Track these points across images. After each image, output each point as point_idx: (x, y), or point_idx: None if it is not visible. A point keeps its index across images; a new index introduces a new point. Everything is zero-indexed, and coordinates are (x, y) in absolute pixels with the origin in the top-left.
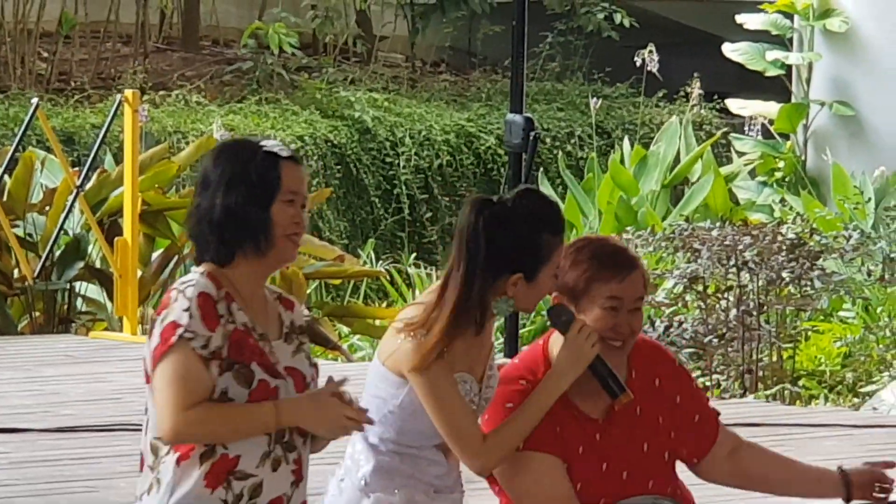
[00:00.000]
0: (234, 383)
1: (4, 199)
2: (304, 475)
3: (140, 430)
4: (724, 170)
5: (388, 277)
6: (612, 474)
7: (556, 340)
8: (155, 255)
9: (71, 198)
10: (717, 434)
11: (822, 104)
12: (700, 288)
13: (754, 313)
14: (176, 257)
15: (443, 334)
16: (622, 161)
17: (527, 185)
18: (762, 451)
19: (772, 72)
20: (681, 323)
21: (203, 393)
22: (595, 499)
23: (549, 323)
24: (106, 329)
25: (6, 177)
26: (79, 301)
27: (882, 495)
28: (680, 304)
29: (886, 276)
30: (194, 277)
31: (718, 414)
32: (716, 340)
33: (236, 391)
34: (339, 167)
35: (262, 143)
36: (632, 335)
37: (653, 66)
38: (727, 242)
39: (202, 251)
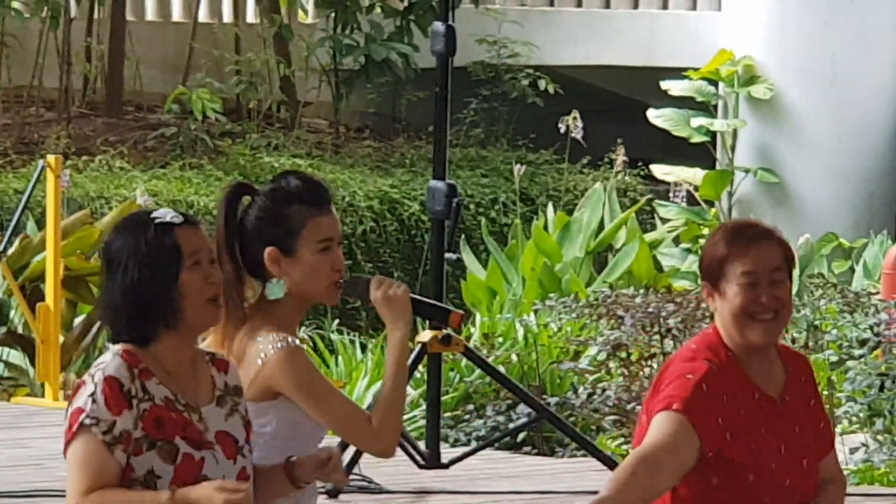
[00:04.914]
0: (159, 460)
1: None
2: None
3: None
4: (649, 236)
5: (310, 344)
6: (792, 459)
7: (720, 322)
8: (77, 320)
9: None
10: (832, 445)
11: (747, 171)
12: (623, 355)
13: None
14: (98, 323)
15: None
16: (546, 227)
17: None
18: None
19: (696, 138)
20: (604, 390)
21: (108, 477)
22: (782, 481)
23: (351, 299)
24: (28, 395)
25: None
26: (0, 366)
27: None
28: (603, 372)
29: (810, 344)
30: (106, 359)
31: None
32: (639, 408)
33: (161, 468)
34: None
35: (154, 214)
36: (782, 307)
37: (577, 133)
38: (651, 310)
39: (117, 334)
